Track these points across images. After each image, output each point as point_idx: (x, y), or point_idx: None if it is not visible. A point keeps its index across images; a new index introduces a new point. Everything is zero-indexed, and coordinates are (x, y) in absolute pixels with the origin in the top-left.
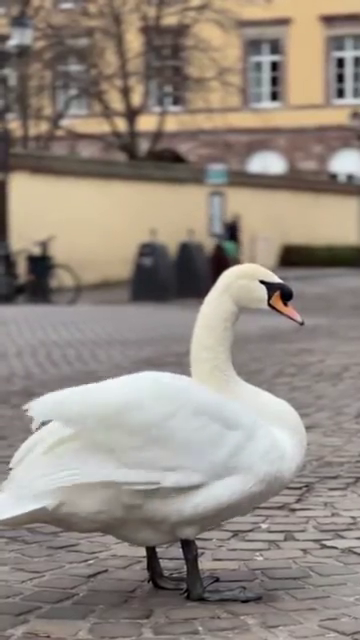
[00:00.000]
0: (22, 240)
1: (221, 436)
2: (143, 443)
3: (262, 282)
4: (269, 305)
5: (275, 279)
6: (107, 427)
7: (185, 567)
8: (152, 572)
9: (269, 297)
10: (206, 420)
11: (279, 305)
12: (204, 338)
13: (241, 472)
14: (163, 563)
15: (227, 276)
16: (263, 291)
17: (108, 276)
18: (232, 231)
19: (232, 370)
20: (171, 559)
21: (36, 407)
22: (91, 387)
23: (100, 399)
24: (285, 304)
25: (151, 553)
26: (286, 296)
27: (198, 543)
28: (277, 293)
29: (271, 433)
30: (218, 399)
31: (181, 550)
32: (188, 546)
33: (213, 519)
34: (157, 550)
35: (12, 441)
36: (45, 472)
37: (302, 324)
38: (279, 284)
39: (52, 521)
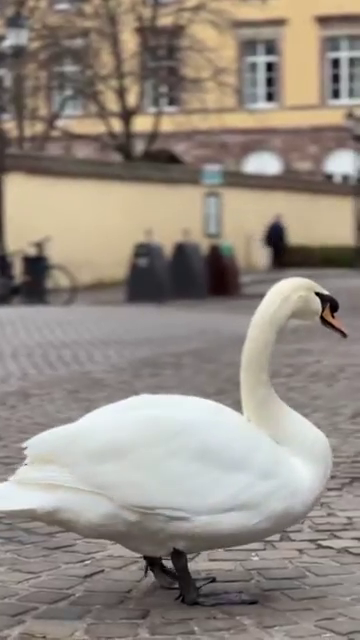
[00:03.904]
0: (18, 241)
1: (217, 482)
2: (142, 480)
3: (317, 294)
4: (321, 317)
5: (325, 291)
6: (100, 463)
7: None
8: (149, 562)
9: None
10: (202, 467)
11: (330, 318)
12: (257, 352)
13: (247, 509)
14: (166, 562)
15: (283, 287)
16: (319, 304)
17: (104, 277)
18: (275, 234)
19: (271, 387)
20: None
21: (33, 445)
22: (84, 426)
23: (91, 439)
24: (333, 316)
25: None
26: (335, 309)
27: None
28: (327, 306)
29: (287, 468)
30: (223, 439)
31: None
32: (178, 553)
33: (210, 543)
34: None
35: (8, 442)
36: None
37: (345, 336)
38: (330, 297)
39: (53, 522)
